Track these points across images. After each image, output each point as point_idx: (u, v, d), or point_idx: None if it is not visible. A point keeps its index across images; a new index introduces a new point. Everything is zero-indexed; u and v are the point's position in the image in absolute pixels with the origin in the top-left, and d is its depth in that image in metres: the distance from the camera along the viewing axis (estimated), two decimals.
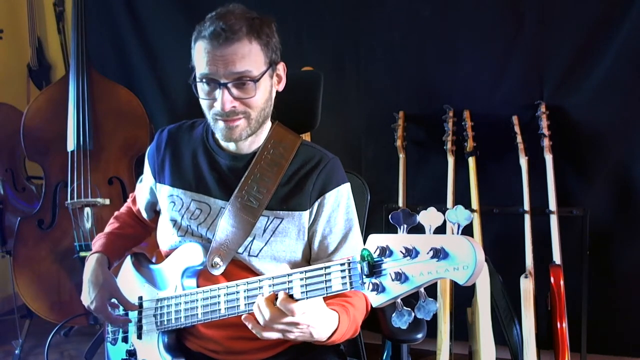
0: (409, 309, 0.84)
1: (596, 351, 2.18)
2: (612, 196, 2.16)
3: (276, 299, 0.99)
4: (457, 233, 0.79)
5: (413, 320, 0.85)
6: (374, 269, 0.86)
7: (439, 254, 0.77)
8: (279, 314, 0.98)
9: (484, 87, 2.24)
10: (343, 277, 0.92)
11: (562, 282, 1.94)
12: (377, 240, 0.85)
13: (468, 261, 0.75)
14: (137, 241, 1.49)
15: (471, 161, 2.13)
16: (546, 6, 2.11)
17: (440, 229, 0.81)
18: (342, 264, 0.93)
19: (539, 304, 2.02)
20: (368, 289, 0.86)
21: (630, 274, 2.17)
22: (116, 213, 1.51)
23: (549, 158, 2.06)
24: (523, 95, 2.18)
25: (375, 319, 1.32)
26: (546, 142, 2.07)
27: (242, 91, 1.14)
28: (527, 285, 1.97)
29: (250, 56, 1.13)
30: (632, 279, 2.16)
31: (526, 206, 2.06)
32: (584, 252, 2.08)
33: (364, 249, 0.87)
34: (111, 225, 1.46)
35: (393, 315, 0.85)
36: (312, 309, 1.00)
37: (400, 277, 0.81)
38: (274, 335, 1.01)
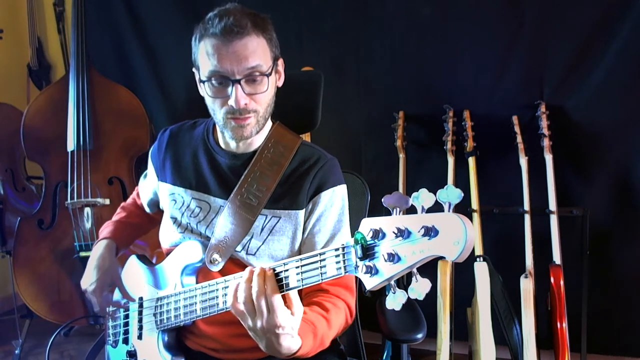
0: (403, 290, 0.84)
1: (596, 351, 2.18)
2: (612, 196, 2.16)
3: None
4: (449, 211, 0.79)
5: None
6: (368, 251, 0.86)
7: (431, 232, 0.78)
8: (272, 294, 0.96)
9: (484, 87, 2.24)
10: (337, 262, 0.92)
11: (562, 282, 1.94)
12: (370, 223, 0.86)
13: (459, 237, 0.75)
14: (143, 231, 1.51)
15: (471, 161, 2.13)
16: (546, 6, 2.11)
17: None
18: (337, 249, 0.93)
19: (539, 304, 2.02)
20: (362, 271, 0.86)
21: (630, 274, 2.17)
22: (123, 204, 1.54)
23: (549, 158, 2.06)
24: (523, 95, 2.18)
25: (375, 318, 1.32)
26: (546, 142, 2.07)
27: (253, 87, 1.15)
28: (527, 285, 1.97)
29: (259, 50, 1.14)
30: (632, 279, 2.17)
31: (526, 206, 2.06)
32: (584, 252, 2.08)
33: (357, 232, 0.87)
34: (118, 215, 1.49)
35: (387, 297, 0.85)
36: (289, 326, 0.97)
37: (393, 257, 0.82)
38: (247, 308, 0.97)
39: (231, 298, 1.00)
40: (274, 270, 1.00)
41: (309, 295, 1.20)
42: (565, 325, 1.93)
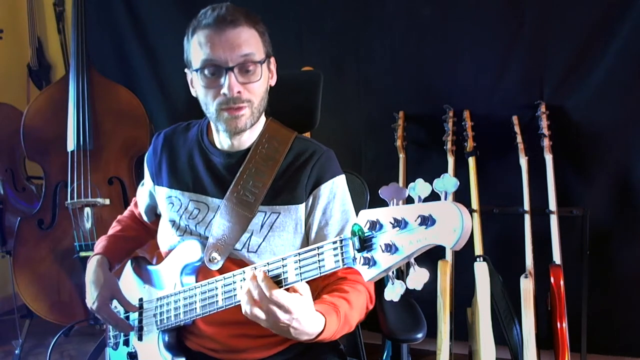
0: (401, 281, 0.84)
1: (596, 351, 2.18)
2: (612, 196, 2.16)
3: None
4: (445, 200, 0.79)
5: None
6: (365, 243, 0.86)
7: (427, 221, 0.78)
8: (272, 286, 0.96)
9: (484, 87, 2.24)
10: (335, 255, 0.92)
11: (562, 282, 1.94)
12: (367, 215, 0.86)
13: (455, 224, 0.75)
14: (140, 243, 1.49)
15: (471, 161, 2.13)
16: (546, 6, 2.11)
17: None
18: (334, 242, 0.93)
19: (539, 304, 2.02)
20: (360, 263, 0.86)
21: (630, 274, 2.17)
22: (119, 217, 1.52)
23: (549, 158, 2.06)
24: (523, 95, 2.18)
25: (375, 318, 1.32)
26: (546, 142, 2.07)
27: (246, 77, 1.16)
28: (527, 285, 1.97)
29: (252, 40, 1.16)
30: (632, 279, 2.16)
31: (526, 206, 2.06)
32: (584, 252, 2.08)
33: (355, 224, 0.87)
34: (113, 229, 1.47)
35: (385, 288, 0.85)
36: (301, 308, 0.98)
37: (391, 248, 0.82)
38: (259, 314, 0.98)
39: (245, 309, 1.00)
40: (268, 264, 1.01)
41: (328, 285, 1.20)
42: (565, 325, 1.93)
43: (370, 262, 0.85)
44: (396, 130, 2.26)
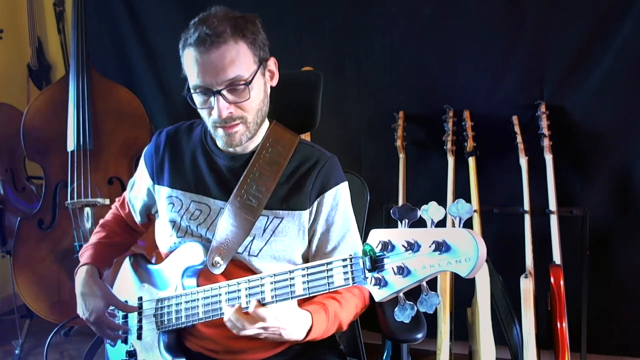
0: (412, 303, 0.84)
1: (596, 351, 2.18)
2: (612, 196, 2.16)
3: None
4: (459, 226, 0.79)
5: (415, 315, 0.85)
6: (376, 263, 0.86)
7: (441, 247, 0.78)
8: (252, 320, 1.02)
9: (484, 87, 2.24)
10: (345, 273, 0.92)
11: (562, 282, 1.94)
12: (379, 235, 0.86)
13: (470, 253, 0.75)
14: (125, 248, 1.47)
15: (471, 161, 2.13)
16: (546, 6, 2.11)
17: (442, 225, 0.81)
18: (344, 260, 0.93)
19: (539, 304, 2.02)
20: (370, 283, 0.86)
21: (630, 274, 2.17)
22: (102, 221, 1.48)
23: (549, 158, 2.06)
24: (523, 95, 2.18)
25: (375, 318, 1.32)
26: (546, 142, 2.07)
27: (236, 95, 1.14)
28: (527, 285, 1.97)
29: (239, 58, 1.12)
30: (632, 278, 2.16)
31: (526, 206, 2.06)
32: (584, 252, 2.08)
33: (366, 243, 0.87)
34: (97, 235, 1.43)
35: (395, 309, 0.86)
36: (283, 313, 1.03)
37: (403, 270, 0.82)
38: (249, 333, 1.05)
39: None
40: (275, 275, 1.03)
41: None
42: (565, 325, 1.93)
43: (381, 283, 0.85)
44: (396, 130, 2.26)
